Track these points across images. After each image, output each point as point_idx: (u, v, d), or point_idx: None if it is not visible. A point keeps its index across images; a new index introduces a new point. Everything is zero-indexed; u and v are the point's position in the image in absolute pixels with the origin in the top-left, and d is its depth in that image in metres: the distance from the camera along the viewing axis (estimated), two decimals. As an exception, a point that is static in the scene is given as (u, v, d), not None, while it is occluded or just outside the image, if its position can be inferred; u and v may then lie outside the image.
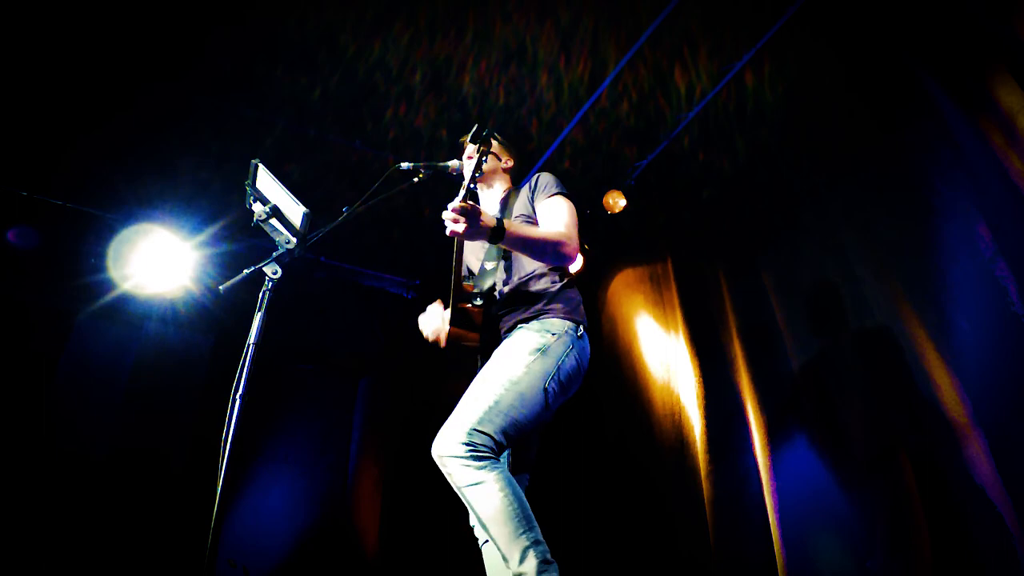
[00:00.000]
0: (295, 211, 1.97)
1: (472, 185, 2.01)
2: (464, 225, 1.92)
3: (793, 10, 3.26)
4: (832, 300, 3.30)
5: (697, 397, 3.73)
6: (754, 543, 3.26)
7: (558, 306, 2.17)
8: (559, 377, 2.04)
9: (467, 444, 1.82)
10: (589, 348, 2.21)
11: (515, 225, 2.07)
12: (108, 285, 4.52)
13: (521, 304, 2.19)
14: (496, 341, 2.21)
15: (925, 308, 2.80)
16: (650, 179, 4.36)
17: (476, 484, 1.79)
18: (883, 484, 2.84)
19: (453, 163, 2.39)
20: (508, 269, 2.31)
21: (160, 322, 5.04)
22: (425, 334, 2.44)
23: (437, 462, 1.87)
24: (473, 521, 2.09)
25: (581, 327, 2.18)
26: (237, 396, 1.68)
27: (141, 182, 4.23)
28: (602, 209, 4.40)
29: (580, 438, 4.30)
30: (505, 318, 2.21)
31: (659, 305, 4.30)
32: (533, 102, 3.87)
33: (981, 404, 2.54)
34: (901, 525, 2.74)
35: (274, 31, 3.42)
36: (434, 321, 2.41)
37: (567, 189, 2.37)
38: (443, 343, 2.33)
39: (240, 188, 2.00)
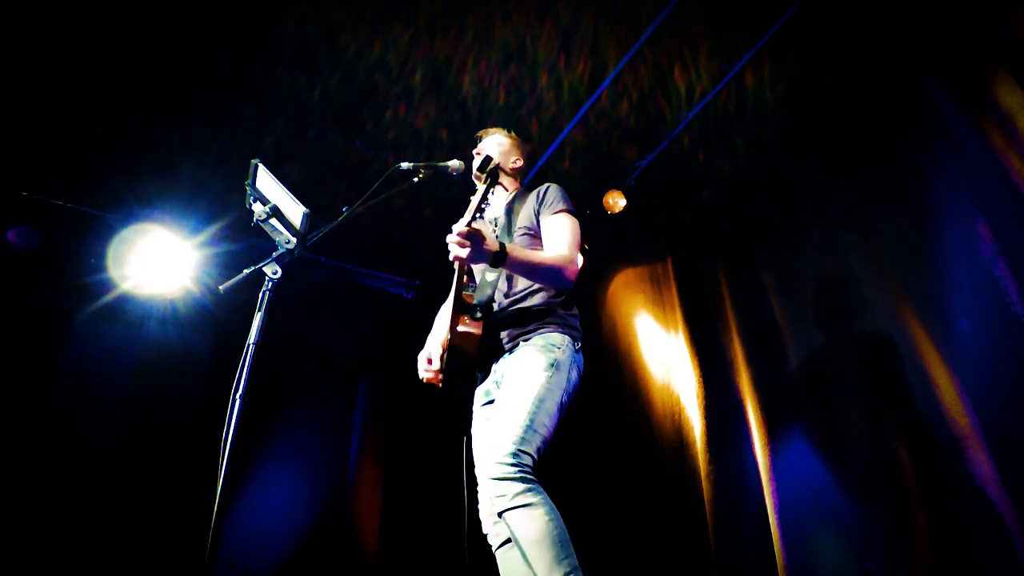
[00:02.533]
0: (295, 211, 1.96)
1: (479, 215, 2.03)
2: (468, 250, 1.96)
3: (793, 10, 3.26)
4: (832, 300, 3.30)
5: (697, 397, 3.73)
6: (754, 543, 3.26)
7: (558, 320, 2.20)
8: (569, 390, 2.12)
9: (515, 465, 1.86)
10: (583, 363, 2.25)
11: (518, 250, 2.09)
12: (108, 285, 4.51)
13: (521, 318, 2.22)
14: (494, 353, 2.22)
15: (925, 308, 2.80)
16: (650, 179, 4.35)
17: (525, 506, 1.81)
18: (883, 484, 2.84)
19: (453, 163, 2.35)
20: (509, 280, 2.32)
21: (160, 322, 5.02)
22: (421, 375, 2.41)
23: (487, 486, 1.89)
24: (487, 530, 2.13)
25: (578, 342, 2.23)
26: (237, 396, 1.68)
27: (141, 182, 4.23)
28: (602, 209, 4.39)
29: (579, 438, 4.29)
30: (506, 332, 2.22)
31: (659, 305, 4.29)
32: (533, 102, 3.87)
33: (981, 404, 2.54)
34: (901, 525, 2.74)
35: (274, 31, 3.42)
36: (426, 363, 2.40)
37: (571, 200, 2.37)
38: (438, 383, 2.35)
39: (240, 188, 2.00)
